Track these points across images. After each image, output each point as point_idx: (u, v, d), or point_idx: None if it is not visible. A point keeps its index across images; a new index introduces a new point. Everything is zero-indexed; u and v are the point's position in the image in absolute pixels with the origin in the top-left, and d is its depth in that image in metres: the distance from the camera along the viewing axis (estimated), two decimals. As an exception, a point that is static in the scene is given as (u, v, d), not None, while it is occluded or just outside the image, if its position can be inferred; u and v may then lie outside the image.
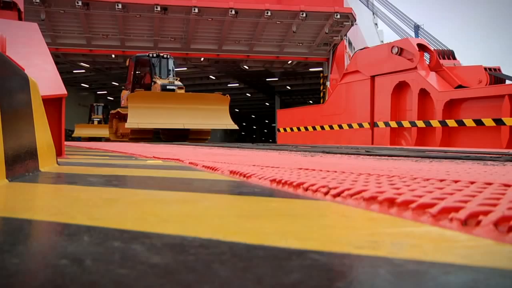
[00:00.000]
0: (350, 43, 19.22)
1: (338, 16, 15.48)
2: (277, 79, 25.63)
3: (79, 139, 24.07)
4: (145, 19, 15.89)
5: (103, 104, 29.27)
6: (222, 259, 0.61)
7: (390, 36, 46.40)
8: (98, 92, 33.70)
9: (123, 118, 14.24)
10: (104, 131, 20.88)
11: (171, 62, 15.01)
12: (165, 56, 14.91)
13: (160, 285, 0.50)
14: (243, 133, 51.36)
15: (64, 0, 14.89)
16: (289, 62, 19.12)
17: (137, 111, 11.92)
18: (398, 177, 1.67)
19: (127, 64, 15.85)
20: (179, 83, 14.18)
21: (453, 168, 2.31)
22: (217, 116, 12.66)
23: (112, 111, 17.02)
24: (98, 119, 27.29)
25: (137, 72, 15.03)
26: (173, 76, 14.83)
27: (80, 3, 14.65)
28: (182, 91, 13.56)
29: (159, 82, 13.86)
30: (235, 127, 13.45)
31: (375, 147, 8.09)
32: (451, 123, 9.23)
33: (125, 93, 15.63)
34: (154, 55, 14.74)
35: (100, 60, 20.13)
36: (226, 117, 12.93)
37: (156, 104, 12.21)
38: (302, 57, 18.09)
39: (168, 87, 13.58)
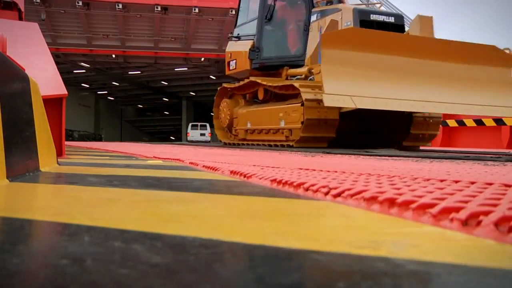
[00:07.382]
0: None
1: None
2: (277, 79, 25.57)
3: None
4: (146, 19, 15.91)
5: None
6: (222, 259, 0.61)
7: (391, 36, 46.00)
8: (98, 92, 33.70)
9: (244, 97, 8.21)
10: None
11: None
12: None
13: (161, 285, 0.50)
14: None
15: (64, 0, 14.91)
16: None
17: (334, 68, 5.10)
18: (399, 177, 1.67)
19: None
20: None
21: (453, 168, 2.30)
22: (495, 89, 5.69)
23: (225, 85, 8.78)
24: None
25: None
26: None
27: (80, 3, 14.67)
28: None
29: (350, 6, 6.45)
30: None
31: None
32: (452, 123, 9.22)
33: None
34: None
35: (100, 60, 20.15)
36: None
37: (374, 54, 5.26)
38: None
39: (372, 16, 6.18)
